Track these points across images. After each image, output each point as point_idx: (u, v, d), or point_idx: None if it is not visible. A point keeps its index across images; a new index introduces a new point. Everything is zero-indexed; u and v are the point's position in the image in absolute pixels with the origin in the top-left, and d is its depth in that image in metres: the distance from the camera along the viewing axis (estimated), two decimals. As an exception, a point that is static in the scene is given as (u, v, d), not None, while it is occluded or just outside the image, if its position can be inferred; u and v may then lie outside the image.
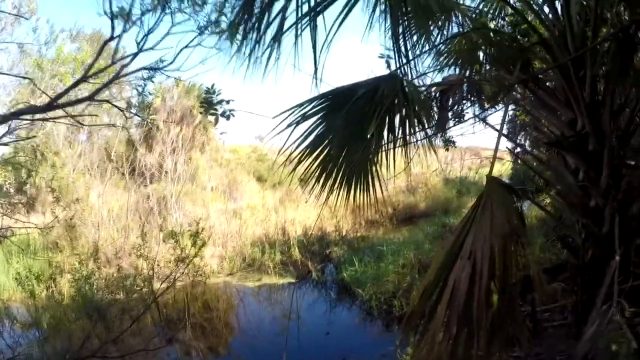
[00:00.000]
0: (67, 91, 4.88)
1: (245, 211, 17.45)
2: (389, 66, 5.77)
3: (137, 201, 15.80)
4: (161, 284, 9.95)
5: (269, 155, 25.97)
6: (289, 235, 15.40)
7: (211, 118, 5.03)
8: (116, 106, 6.69)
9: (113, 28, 4.67)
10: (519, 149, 9.69)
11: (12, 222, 16.48)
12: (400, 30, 4.54)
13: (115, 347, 7.73)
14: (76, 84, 4.95)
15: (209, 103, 4.85)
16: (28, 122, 7.99)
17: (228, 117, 4.90)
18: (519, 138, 11.49)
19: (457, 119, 6.94)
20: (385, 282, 10.19)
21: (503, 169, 18.41)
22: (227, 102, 4.87)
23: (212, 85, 4.90)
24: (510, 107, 7.72)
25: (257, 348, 8.30)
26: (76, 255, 12.12)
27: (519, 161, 11.65)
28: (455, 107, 6.68)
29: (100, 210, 14.19)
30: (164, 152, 17.12)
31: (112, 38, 4.72)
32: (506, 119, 5.94)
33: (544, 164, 6.30)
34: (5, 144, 9.83)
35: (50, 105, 4.68)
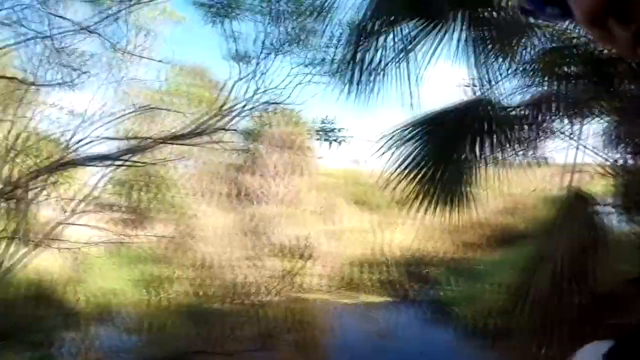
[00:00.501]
0: (207, 121, 5.75)
1: (344, 233, 17.82)
2: (474, 89, 6.03)
3: (241, 221, 16.57)
4: (262, 296, 10.39)
5: (366, 179, 26.26)
6: (387, 256, 15.65)
7: (323, 143, 5.46)
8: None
9: (240, 70, 5.56)
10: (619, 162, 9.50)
11: (120, 237, 17.74)
12: (483, 55, 4.84)
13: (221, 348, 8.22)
14: (215, 115, 5.78)
15: (324, 131, 5.30)
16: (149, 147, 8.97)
17: (340, 143, 5.34)
18: (617, 151, 11.19)
19: (548, 135, 7.02)
20: (481, 301, 10.26)
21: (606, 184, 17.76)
22: (340, 130, 5.32)
23: (326, 116, 5.37)
24: (603, 119, 7.67)
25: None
26: (184, 266, 12.83)
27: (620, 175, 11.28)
28: (545, 124, 6.78)
29: (207, 227, 15.02)
30: (267, 176, 17.87)
31: (240, 79, 5.58)
32: (600, 133, 6.06)
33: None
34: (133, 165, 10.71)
35: (193, 133, 5.52)
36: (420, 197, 4.92)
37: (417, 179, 4.97)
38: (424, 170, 4.95)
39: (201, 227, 15.61)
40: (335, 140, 5.47)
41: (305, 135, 20.73)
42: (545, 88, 6.11)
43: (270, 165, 18.20)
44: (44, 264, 13.54)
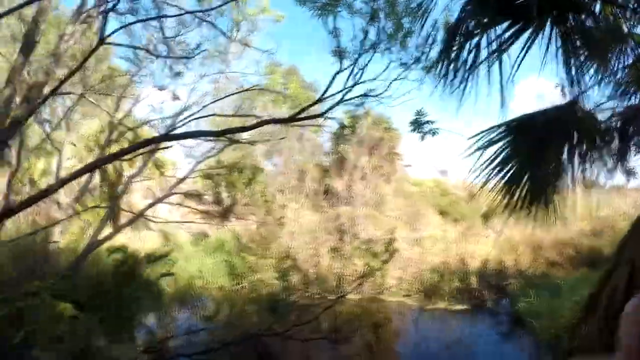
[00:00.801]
0: (307, 107, 6.21)
1: (427, 240, 17.96)
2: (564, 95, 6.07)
3: (326, 219, 17.03)
4: (342, 292, 10.66)
5: (452, 190, 26.24)
6: (468, 266, 15.72)
7: (417, 136, 5.67)
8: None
9: (341, 63, 5.95)
10: None
11: (207, 226, 18.48)
12: (574, 60, 4.95)
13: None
14: (313, 104, 6.25)
15: (418, 123, 5.55)
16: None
17: (433, 134, 5.57)
18: None
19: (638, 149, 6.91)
20: (560, 315, 10.22)
21: None
22: (432, 122, 5.55)
23: (421, 109, 5.61)
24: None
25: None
26: (268, 257, 13.33)
27: None
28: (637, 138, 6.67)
29: (293, 222, 15.57)
30: (353, 178, 18.24)
31: (340, 71, 5.97)
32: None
33: None
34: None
35: (293, 118, 6.00)
36: (506, 200, 5.01)
37: (503, 182, 5.06)
38: (511, 172, 5.04)
39: (287, 222, 16.19)
40: (428, 132, 5.66)
41: (395, 142, 20.96)
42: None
43: (358, 168, 18.53)
44: (135, 244, 14.45)
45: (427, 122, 5.51)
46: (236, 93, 10.04)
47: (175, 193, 11.93)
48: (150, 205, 10.99)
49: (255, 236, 15.31)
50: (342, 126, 6.44)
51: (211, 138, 9.57)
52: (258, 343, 8.31)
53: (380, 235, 16.05)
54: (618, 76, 5.96)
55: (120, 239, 13.96)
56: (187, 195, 14.90)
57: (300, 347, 9.02)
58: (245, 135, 11.06)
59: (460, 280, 14.77)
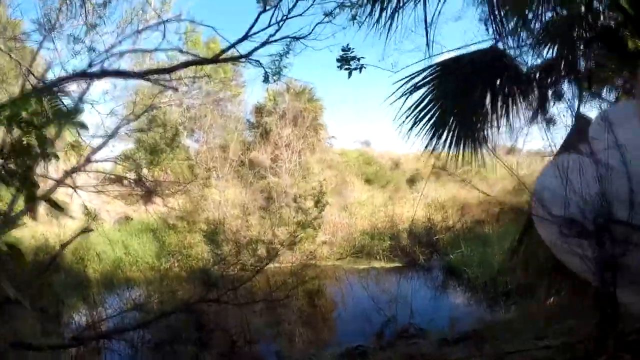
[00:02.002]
0: (230, 47, 5.97)
1: (354, 206, 18.12)
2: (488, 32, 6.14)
3: (252, 191, 16.90)
4: (274, 262, 10.60)
5: (377, 159, 26.57)
6: (397, 227, 15.96)
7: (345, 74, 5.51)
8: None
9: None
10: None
11: (130, 210, 17.99)
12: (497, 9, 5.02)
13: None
14: (235, 43, 6.00)
15: (345, 59, 5.43)
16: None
17: (360, 70, 5.46)
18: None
19: (557, 98, 7.09)
20: (490, 263, 10.51)
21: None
22: (359, 58, 5.44)
23: (347, 45, 5.48)
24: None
25: (354, 328, 8.48)
26: (198, 233, 13.10)
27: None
28: (554, 87, 6.85)
29: (219, 198, 15.36)
30: (279, 147, 18.15)
31: (264, 10, 5.78)
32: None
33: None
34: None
35: (216, 59, 5.75)
36: (435, 137, 5.01)
37: (429, 125, 5.06)
38: (436, 116, 5.05)
39: (213, 196, 15.96)
40: (355, 69, 5.53)
41: (318, 113, 20.94)
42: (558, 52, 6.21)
43: (282, 140, 18.43)
44: (52, 230, 13.88)
45: (354, 57, 5.41)
46: (156, 50, 9.51)
47: (90, 171, 11.26)
48: (58, 184, 10.34)
49: (181, 213, 14.97)
50: (266, 77, 6.17)
51: (133, 80, 9.07)
52: (194, 313, 8.09)
53: (309, 205, 16.05)
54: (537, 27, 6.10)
55: (40, 229, 13.48)
56: (108, 179, 14.45)
57: (237, 314, 8.86)
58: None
59: (391, 239, 14.97)
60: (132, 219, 17.73)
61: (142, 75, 6.37)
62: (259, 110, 20.62)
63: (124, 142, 15.56)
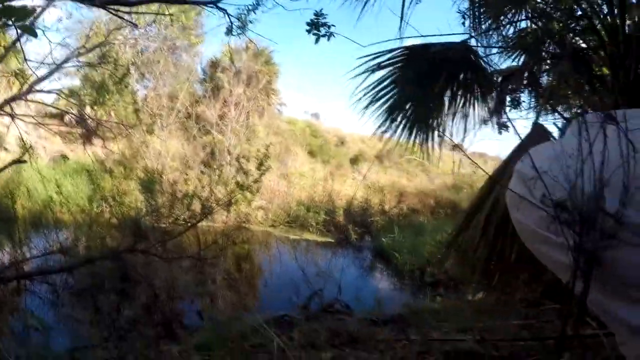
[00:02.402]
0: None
1: (295, 176, 18.12)
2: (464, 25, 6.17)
3: (195, 146, 16.68)
4: (208, 220, 10.47)
5: (324, 133, 26.60)
6: (334, 203, 16.07)
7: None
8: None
9: None
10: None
11: (68, 149, 17.49)
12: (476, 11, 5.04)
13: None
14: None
15: (315, 24, 5.32)
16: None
17: (329, 38, 5.37)
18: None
19: (514, 106, 7.20)
20: (421, 252, 10.67)
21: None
22: (329, 26, 5.34)
23: (320, 9, 5.37)
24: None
25: (280, 297, 8.48)
26: (132, 180, 12.82)
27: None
28: (514, 94, 6.96)
29: (162, 146, 15.08)
30: (228, 105, 17.92)
31: None
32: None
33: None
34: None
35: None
36: (390, 119, 5.00)
37: (385, 107, 5.05)
38: (394, 98, 5.03)
39: (153, 147, 15.65)
40: (324, 36, 5.43)
41: (273, 77, 20.76)
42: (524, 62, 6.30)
43: (232, 98, 18.19)
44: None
45: (325, 24, 5.33)
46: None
47: (31, 101, 10.73)
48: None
49: (119, 158, 14.63)
50: (230, 29, 5.91)
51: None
52: (121, 262, 7.91)
53: (250, 168, 15.93)
54: (510, 32, 6.16)
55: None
56: (49, 114, 13.97)
57: (164, 268, 8.72)
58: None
59: (326, 214, 15.06)
60: (68, 158, 17.26)
61: (104, 4, 6.08)
62: (213, 64, 20.32)
63: (70, 78, 15.08)
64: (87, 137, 15.66)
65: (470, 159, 3.12)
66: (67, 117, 15.18)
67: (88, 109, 15.66)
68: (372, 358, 2.88)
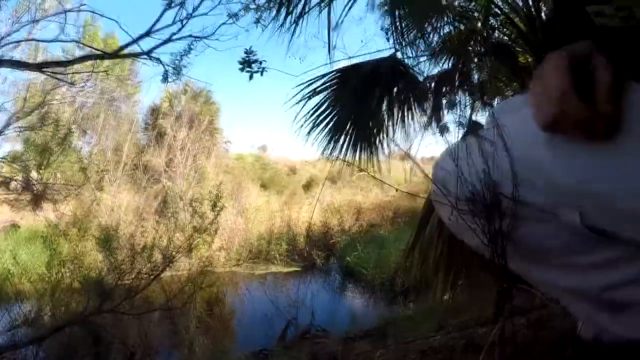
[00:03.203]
0: (133, 42, 5.78)
1: (250, 211, 18.07)
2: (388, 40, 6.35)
3: (147, 196, 16.54)
4: (170, 269, 10.37)
5: (273, 165, 26.68)
6: (294, 231, 16.08)
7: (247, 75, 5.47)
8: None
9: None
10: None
11: (18, 217, 17.08)
12: (398, 15, 5.19)
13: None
14: (139, 38, 5.82)
15: (247, 62, 5.39)
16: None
17: (262, 73, 5.45)
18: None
19: (450, 107, 7.40)
20: (387, 263, 10.77)
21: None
22: (261, 62, 5.42)
23: (250, 47, 5.45)
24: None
25: (256, 333, 8.42)
26: (90, 240, 12.62)
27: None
28: (449, 96, 7.15)
29: (113, 201, 14.91)
30: (174, 150, 17.87)
31: (169, 6, 5.66)
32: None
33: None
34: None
35: (117, 53, 5.56)
36: (332, 142, 5.09)
37: (327, 130, 5.14)
38: (334, 121, 5.13)
39: (105, 201, 15.47)
40: (257, 72, 5.51)
41: (214, 116, 20.80)
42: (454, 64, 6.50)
43: (177, 142, 18.15)
44: None
45: (256, 60, 5.42)
46: (53, 41, 9.04)
47: None
48: None
49: (72, 220, 14.37)
50: (166, 76, 6.01)
51: (27, 72, 8.56)
52: (90, 325, 7.78)
53: (204, 210, 15.88)
54: (435, 42, 6.36)
55: None
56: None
57: (135, 324, 8.62)
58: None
59: (288, 244, 15.07)
60: (19, 226, 16.85)
61: (39, 66, 6.09)
62: (154, 111, 20.31)
63: (11, 142, 14.84)
64: (36, 202, 15.38)
65: (416, 163, 3.21)
66: (12, 184, 14.90)
67: (34, 173, 15.41)
68: (354, 372, 2.92)
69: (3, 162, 10.05)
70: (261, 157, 28.24)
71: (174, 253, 10.04)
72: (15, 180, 13.08)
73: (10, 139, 13.55)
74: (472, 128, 4.33)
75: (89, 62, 8.58)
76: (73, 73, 9.23)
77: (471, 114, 5.60)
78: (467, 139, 1.02)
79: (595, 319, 0.96)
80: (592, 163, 0.79)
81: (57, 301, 9.62)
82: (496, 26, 5.64)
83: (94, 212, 15.02)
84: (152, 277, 9.11)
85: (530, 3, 4.37)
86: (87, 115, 18.04)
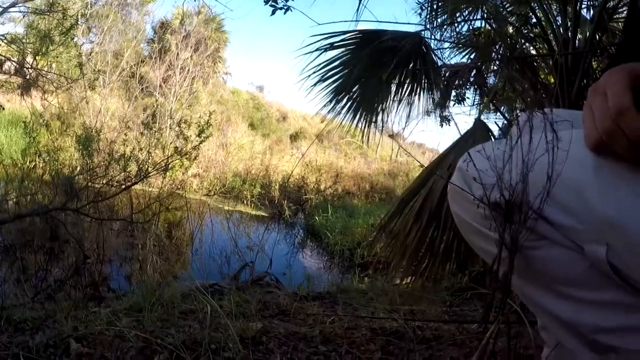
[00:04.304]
0: None
1: (233, 147, 18.04)
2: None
3: (136, 107, 16.42)
4: (142, 183, 10.34)
5: (266, 107, 26.55)
6: (270, 177, 16.12)
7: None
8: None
9: None
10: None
11: (5, 99, 16.85)
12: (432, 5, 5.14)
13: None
14: None
15: None
16: None
17: (285, 11, 5.35)
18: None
19: (458, 101, 7.41)
20: (352, 233, 10.84)
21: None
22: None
23: None
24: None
25: (211, 266, 8.43)
26: (68, 136, 12.50)
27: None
28: (459, 90, 7.15)
29: (102, 104, 14.77)
30: (174, 69, 17.68)
31: None
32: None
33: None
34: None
35: None
36: (335, 100, 5.07)
37: (333, 86, 5.11)
38: (342, 80, 5.09)
39: (93, 104, 15.31)
40: (280, 8, 5.41)
41: (221, 44, 20.56)
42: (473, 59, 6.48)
43: (179, 62, 17.95)
44: None
45: (283, -5, 5.33)
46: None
47: None
48: None
49: (57, 112, 14.19)
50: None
51: None
52: (51, 220, 7.73)
53: (189, 134, 15.76)
54: (464, 30, 6.31)
55: None
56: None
57: (95, 229, 8.61)
58: None
59: (262, 188, 15.11)
60: (4, 108, 16.64)
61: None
62: (163, 25, 20.02)
63: (13, 23, 14.54)
64: (26, 87, 15.17)
65: (404, 149, 3.20)
66: (6, 65, 14.65)
67: (29, 59, 15.13)
68: (301, 331, 2.95)
69: (1, 40, 9.79)
70: (256, 97, 28.09)
71: (150, 168, 9.95)
72: (11, 61, 12.84)
73: (14, 20, 13.25)
74: (478, 126, 4.32)
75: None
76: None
77: (480, 113, 5.60)
78: (506, 142, 1.01)
79: (576, 354, 0.97)
80: (637, 198, 0.78)
81: (25, 189, 9.55)
82: (529, 37, 5.62)
83: (81, 110, 14.86)
84: (123, 186, 9.05)
85: (568, 25, 4.32)
86: (96, 13, 17.68)
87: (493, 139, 3.70)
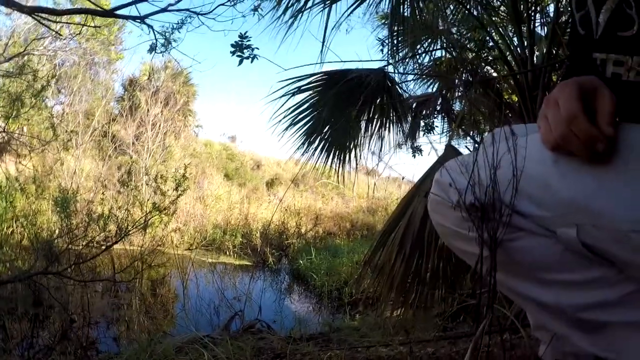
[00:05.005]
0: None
1: (210, 199, 18.03)
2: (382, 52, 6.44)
3: (110, 166, 16.40)
4: (122, 243, 10.27)
5: (240, 157, 26.62)
6: (250, 226, 16.08)
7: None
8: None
9: None
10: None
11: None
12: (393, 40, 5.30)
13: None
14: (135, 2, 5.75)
15: (239, 46, 5.39)
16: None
17: (252, 60, 5.44)
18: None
19: (427, 130, 7.52)
20: (338, 273, 10.84)
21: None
22: (253, 49, 5.42)
23: (245, 32, 5.44)
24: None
25: (200, 320, 8.35)
26: (45, 200, 12.41)
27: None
28: (427, 120, 7.28)
29: (76, 165, 14.73)
30: (145, 125, 17.74)
31: None
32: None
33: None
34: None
35: (113, 12, 5.49)
36: (307, 142, 5.16)
37: (304, 129, 5.21)
38: (312, 122, 5.19)
39: (68, 165, 15.26)
40: (248, 58, 5.51)
41: (190, 98, 20.71)
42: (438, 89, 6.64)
43: (149, 118, 18.03)
44: None
45: (249, 46, 5.42)
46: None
47: None
48: None
49: (32, 176, 14.11)
50: (154, 47, 5.91)
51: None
52: (33, 285, 7.62)
53: (165, 189, 15.74)
54: (426, 61, 6.49)
55: None
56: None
57: (79, 291, 8.51)
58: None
59: (243, 237, 15.06)
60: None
61: (31, 10, 5.95)
62: (132, 82, 20.12)
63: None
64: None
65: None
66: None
67: (0, 122, 15.07)
68: (300, 371, 2.95)
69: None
70: (229, 147, 28.17)
71: (129, 227, 9.90)
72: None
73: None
74: (448, 151, 4.41)
75: (77, 19, 8.47)
76: (62, 22, 9.09)
77: (450, 139, 5.71)
78: (475, 153, 1.09)
79: (569, 338, 1.03)
80: (596, 183, 0.88)
81: (4, 255, 9.45)
82: (488, 60, 5.78)
83: (56, 172, 14.79)
84: (103, 247, 9.01)
85: (525, 44, 4.47)
86: (65, 74, 17.76)
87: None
